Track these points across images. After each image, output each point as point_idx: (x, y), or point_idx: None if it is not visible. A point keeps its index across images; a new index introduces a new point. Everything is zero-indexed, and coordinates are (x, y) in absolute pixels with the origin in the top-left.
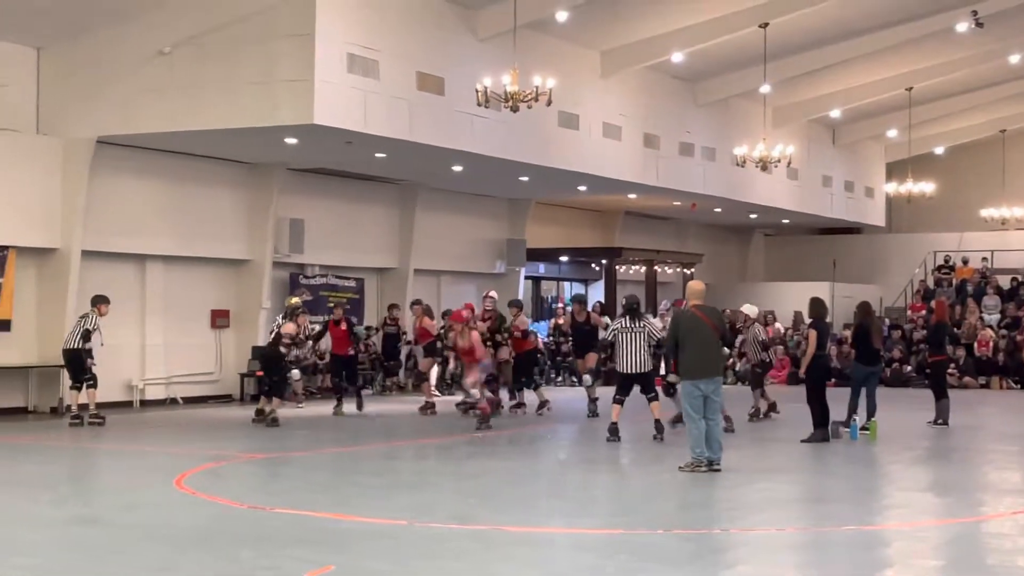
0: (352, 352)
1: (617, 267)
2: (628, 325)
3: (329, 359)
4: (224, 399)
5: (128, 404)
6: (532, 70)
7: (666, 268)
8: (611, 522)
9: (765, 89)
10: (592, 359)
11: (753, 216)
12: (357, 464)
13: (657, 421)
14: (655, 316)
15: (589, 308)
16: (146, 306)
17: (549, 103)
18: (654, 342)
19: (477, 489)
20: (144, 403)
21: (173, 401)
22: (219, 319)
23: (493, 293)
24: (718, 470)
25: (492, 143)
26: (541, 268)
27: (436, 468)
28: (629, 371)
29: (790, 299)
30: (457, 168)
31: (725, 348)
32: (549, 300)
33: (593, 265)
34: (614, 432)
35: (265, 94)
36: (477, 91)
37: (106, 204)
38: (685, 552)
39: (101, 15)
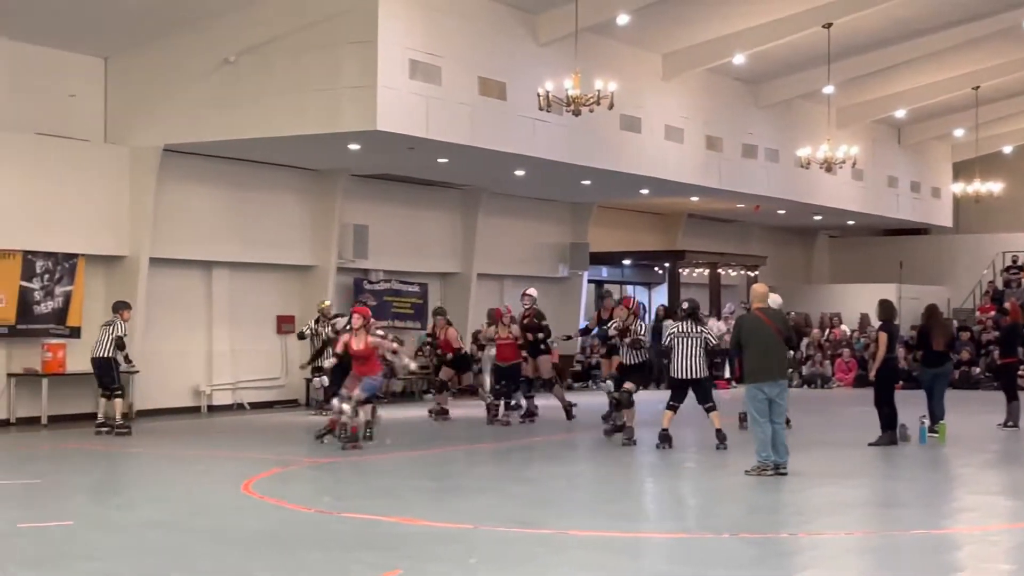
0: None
1: (680, 270)
2: (685, 330)
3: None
4: (290, 404)
5: (196, 410)
6: (594, 74)
7: (729, 271)
8: (677, 526)
9: (828, 90)
10: (616, 362)
11: (817, 218)
12: (419, 469)
13: (719, 431)
14: (719, 319)
15: (651, 311)
16: (213, 312)
17: (611, 106)
18: (710, 348)
19: (540, 493)
20: (212, 408)
21: (240, 406)
22: (284, 325)
23: (532, 291)
24: (784, 474)
25: (554, 147)
26: (604, 272)
27: (497, 472)
28: (683, 376)
29: (856, 301)
30: (519, 172)
31: (790, 351)
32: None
33: (656, 268)
34: (664, 439)
35: (328, 101)
36: (539, 95)
37: (173, 211)
38: (751, 556)
39: (166, 25)
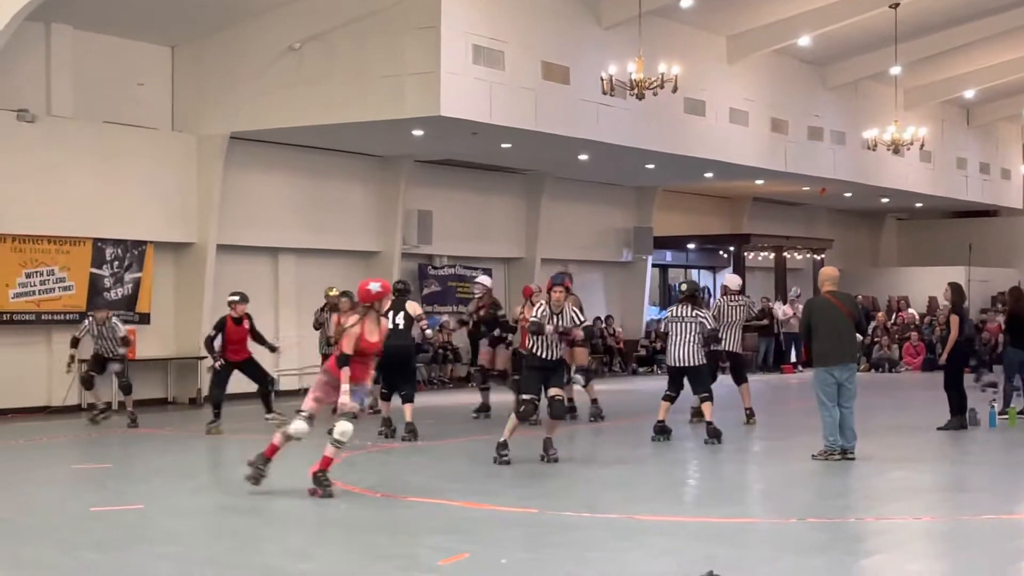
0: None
1: (745, 254)
2: (681, 314)
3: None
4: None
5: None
6: (657, 57)
7: (795, 254)
8: (744, 511)
9: (896, 71)
10: (582, 355)
11: (885, 200)
12: (486, 453)
13: (710, 424)
14: (784, 303)
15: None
16: (279, 298)
17: (675, 90)
18: (707, 333)
19: (607, 478)
20: (279, 394)
21: (306, 392)
22: None
23: (485, 279)
24: (852, 458)
25: (618, 131)
26: (668, 256)
27: (564, 457)
28: (678, 364)
29: (924, 284)
30: (583, 157)
31: (859, 335)
32: (676, 288)
33: (721, 252)
34: (661, 431)
35: (392, 87)
36: (602, 79)
37: (239, 199)
38: (819, 541)
39: (232, 14)
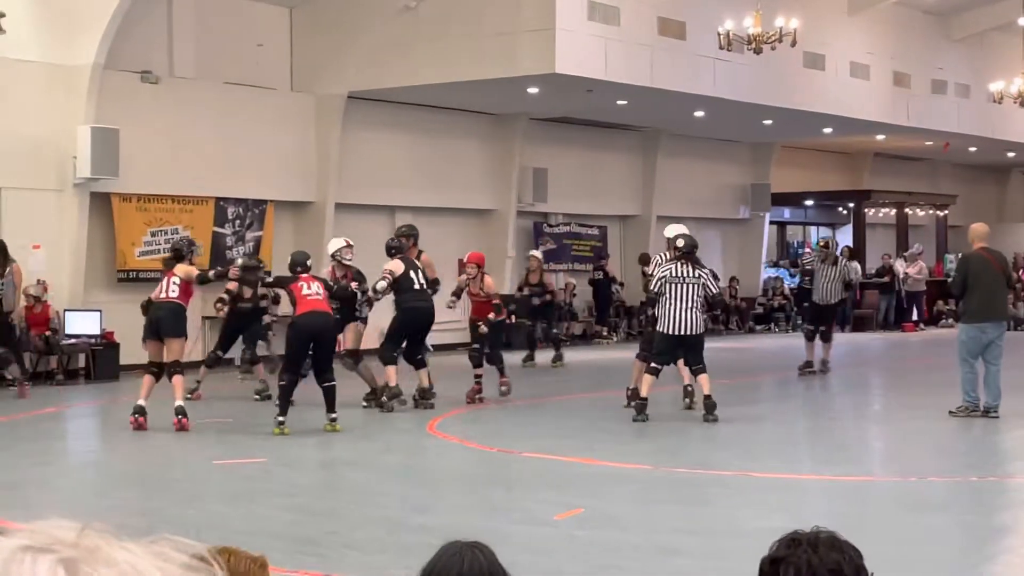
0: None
1: (866, 210)
2: (681, 274)
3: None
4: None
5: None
6: (776, 10)
7: (917, 211)
8: (864, 469)
9: (1023, 21)
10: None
11: (1011, 154)
12: (603, 411)
13: (708, 397)
14: (905, 261)
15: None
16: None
17: (793, 44)
18: (710, 297)
19: (723, 435)
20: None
21: (425, 348)
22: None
23: (343, 248)
24: (996, 416)
25: (735, 87)
26: (786, 213)
27: (679, 414)
28: (677, 332)
29: None
30: (699, 113)
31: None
32: (795, 245)
33: (840, 209)
34: (642, 410)
35: (507, 45)
36: (719, 34)
37: (357, 158)
38: (942, 499)
39: None
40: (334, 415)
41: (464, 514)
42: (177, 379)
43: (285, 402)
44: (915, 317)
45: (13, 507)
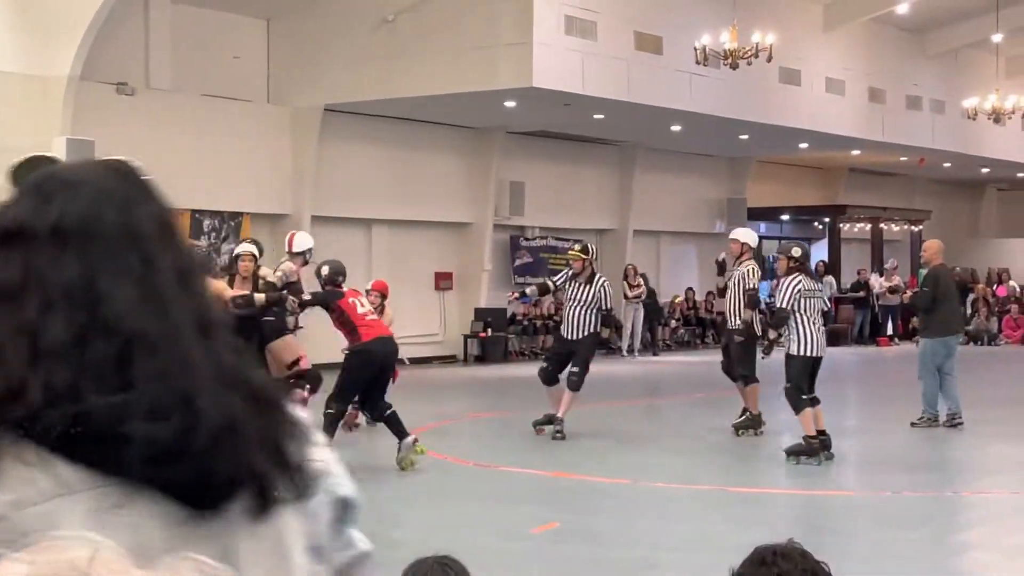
0: None
1: (841, 225)
2: (810, 287)
3: None
4: (448, 360)
5: None
6: (752, 26)
7: (892, 226)
8: (838, 484)
9: (997, 38)
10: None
11: (985, 170)
12: (579, 424)
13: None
14: (881, 275)
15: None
16: (372, 269)
17: (769, 59)
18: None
19: (700, 449)
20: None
21: (399, 361)
22: (442, 281)
23: (248, 245)
24: (961, 423)
25: (711, 101)
26: (762, 227)
27: (657, 428)
28: (815, 353)
29: None
30: (676, 128)
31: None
32: (771, 260)
33: (816, 223)
34: (828, 447)
35: (485, 58)
36: (696, 49)
37: (334, 170)
38: (916, 515)
39: None
40: (413, 436)
41: (440, 528)
42: None
43: (331, 434)
44: (889, 331)
45: None
